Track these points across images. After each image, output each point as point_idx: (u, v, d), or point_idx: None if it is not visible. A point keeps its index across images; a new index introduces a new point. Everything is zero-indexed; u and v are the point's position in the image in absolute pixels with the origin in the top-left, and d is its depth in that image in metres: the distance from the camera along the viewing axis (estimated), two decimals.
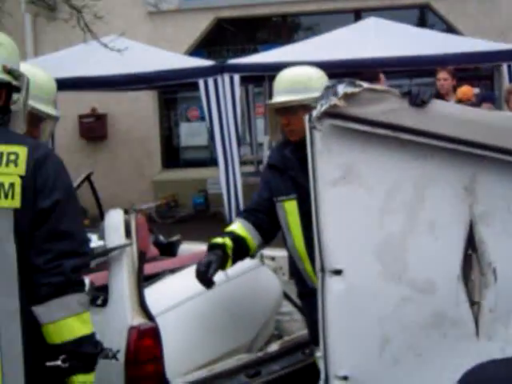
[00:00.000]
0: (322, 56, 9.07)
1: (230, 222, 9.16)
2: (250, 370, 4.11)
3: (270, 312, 4.45)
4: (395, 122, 3.37)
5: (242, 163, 11.56)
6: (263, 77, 10.38)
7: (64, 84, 9.91)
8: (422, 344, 3.42)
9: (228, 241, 3.96)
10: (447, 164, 3.43)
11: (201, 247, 5.28)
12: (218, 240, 3.97)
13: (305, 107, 3.70)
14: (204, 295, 4.14)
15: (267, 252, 4.81)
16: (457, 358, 3.43)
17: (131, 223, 3.73)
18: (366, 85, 3.38)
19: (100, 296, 3.82)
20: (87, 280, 3.96)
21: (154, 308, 3.83)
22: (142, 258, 3.76)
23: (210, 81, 9.38)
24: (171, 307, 4.00)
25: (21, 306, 2.58)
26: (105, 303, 3.78)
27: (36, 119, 3.54)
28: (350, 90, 3.37)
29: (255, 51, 13.06)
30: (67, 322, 2.61)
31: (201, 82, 9.42)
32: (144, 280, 4.14)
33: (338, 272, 3.43)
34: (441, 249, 3.44)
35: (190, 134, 14.29)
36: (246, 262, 4.45)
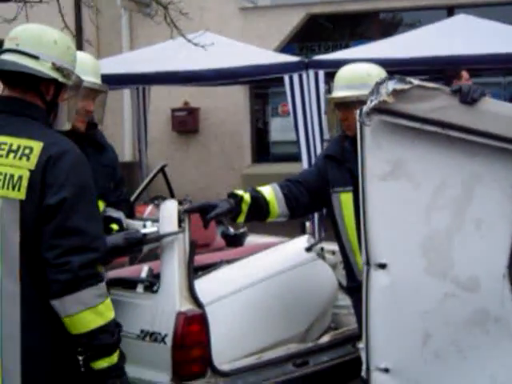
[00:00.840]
0: (409, 53, 9.04)
1: (312, 219, 9.29)
2: (297, 360, 4.20)
3: (324, 305, 4.52)
4: (445, 120, 3.40)
5: None
6: None
7: (157, 78, 10.23)
8: (464, 340, 3.45)
9: (247, 196, 4.09)
10: (495, 162, 3.43)
11: (266, 239, 5.42)
12: (238, 192, 4.11)
13: (362, 103, 3.75)
14: (259, 285, 4.27)
15: (328, 246, 4.88)
16: (499, 356, 3.43)
17: (185, 213, 3.86)
18: (416, 82, 3.41)
19: (156, 283, 3.97)
20: (146, 267, 4.17)
21: (207, 296, 3.97)
22: (194, 247, 3.88)
23: (295, 76, 9.42)
24: (224, 296, 4.13)
25: (32, 295, 2.73)
26: (158, 290, 3.92)
27: (87, 93, 3.71)
28: (399, 86, 3.41)
29: (347, 47, 13.05)
30: (81, 315, 2.72)
31: (286, 78, 9.48)
32: (201, 269, 4.29)
33: (382, 266, 3.49)
34: (486, 247, 3.45)
35: (281, 129, 14.38)
36: (303, 255, 4.55)
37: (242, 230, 5.73)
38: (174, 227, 3.83)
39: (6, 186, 2.72)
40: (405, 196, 3.51)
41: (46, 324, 2.77)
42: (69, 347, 2.79)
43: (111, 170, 4.02)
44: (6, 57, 2.87)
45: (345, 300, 4.75)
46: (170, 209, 3.88)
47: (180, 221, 3.85)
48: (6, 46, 2.90)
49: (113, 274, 4.28)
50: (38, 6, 8.81)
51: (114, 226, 3.94)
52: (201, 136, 14.10)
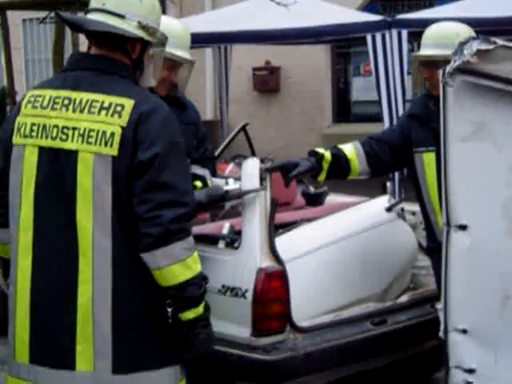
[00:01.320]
0: (495, 12, 8.84)
1: (393, 180, 9.26)
2: (376, 318, 4.24)
3: (403, 265, 4.54)
4: None
5: None
6: None
7: (238, 37, 10.27)
8: None
9: (328, 155, 4.14)
10: None
11: (346, 199, 5.45)
12: (319, 150, 4.16)
13: (449, 63, 3.72)
14: (337, 245, 4.32)
15: (408, 207, 4.89)
16: None
17: (267, 172, 3.92)
18: (500, 42, 3.38)
19: (237, 239, 4.05)
20: (228, 224, 4.25)
21: (287, 253, 4.03)
22: (274, 204, 3.95)
23: (378, 36, 9.33)
24: (304, 254, 4.18)
25: (123, 249, 2.81)
26: (240, 246, 4.01)
27: (173, 65, 3.86)
28: (483, 46, 3.37)
29: (431, 6, 12.85)
30: (171, 268, 2.79)
31: (368, 37, 9.39)
32: (281, 227, 4.36)
33: (463, 227, 3.49)
34: None
35: (362, 89, 14.30)
36: (383, 215, 4.57)
37: (322, 189, 5.77)
38: (256, 185, 3.89)
39: (98, 143, 2.77)
40: (487, 158, 3.49)
41: (136, 277, 2.84)
42: (157, 299, 2.86)
43: (194, 127, 4.11)
44: (93, 16, 2.91)
45: (424, 261, 4.75)
46: (251, 167, 3.94)
47: (261, 179, 3.90)
48: (93, 5, 2.94)
49: (195, 230, 4.37)
50: None
51: (198, 183, 4.04)
52: (282, 95, 14.14)
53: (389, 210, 4.60)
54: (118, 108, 2.79)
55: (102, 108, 2.79)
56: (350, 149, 4.22)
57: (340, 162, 4.16)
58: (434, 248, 4.02)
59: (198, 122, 4.21)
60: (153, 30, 2.95)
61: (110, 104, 2.79)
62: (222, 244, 4.16)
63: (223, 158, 6.96)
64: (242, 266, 3.91)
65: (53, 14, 9.91)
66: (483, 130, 3.48)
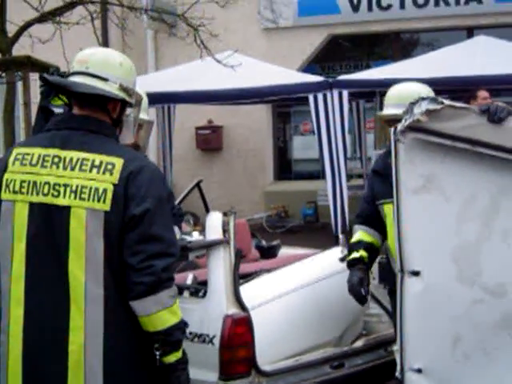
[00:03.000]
0: (430, 73, 9.27)
1: (337, 233, 9.55)
2: (334, 362, 4.46)
3: (356, 312, 4.76)
4: (474, 137, 3.65)
5: (350, 177, 11.89)
6: (374, 92, 10.68)
7: (182, 97, 10.56)
8: (492, 343, 3.69)
9: (363, 252, 4.44)
10: None
11: (298, 251, 5.68)
12: (356, 255, 4.43)
13: None
14: (296, 293, 4.54)
15: None
16: None
17: (229, 224, 4.13)
18: (447, 102, 3.68)
19: (201, 289, 4.25)
20: (191, 275, 4.44)
21: (250, 302, 4.23)
22: (239, 255, 4.16)
23: (320, 96, 9.72)
24: (265, 301, 4.39)
25: (113, 297, 2.94)
26: (205, 295, 4.20)
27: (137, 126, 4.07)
28: (432, 106, 3.67)
29: (368, 67, 13.36)
30: (159, 315, 2.95)
31: (310, 97, 9.78)
32: (243, 277, 4.56)
33: (416, 273, 3.76)
34: None
35: (303, 147, 14.68)
36: (337, 265, 4.81)
37: (275, 243, 6.00)
38: (219, 236, 4.11)
39: (91, 199, 2.91)
40: (436, 208, 3.76)
41: (127, 324, 2.98)
42: (146, 344, 3.00)
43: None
44: (77, 79, 3.05)
45: (375, 308, 5.01)
46: (214, 220, 4.17)
47: (224, 231, 4.12)
48: (76, 68, 3.08)
49: None
50: (70, 26, 9.12)
51: None
52: (224, 153, 14.40)
53: (342, 260, 4.83)
54: (109, 166, 2.94)
55: (93, 166, 2.95)
56: (364, 235, 4.52)
57: (371, 250, 4.47)
58: (394, 291, 4.26)
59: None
60: (132, 91, 3.16)
61: (101, 162, 2.95)
62: (186, 293, 4.34)
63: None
64: (208, 314, 4.10)
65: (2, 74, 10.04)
66: (432, 182, 3.76)
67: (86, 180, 2.94)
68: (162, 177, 3.15)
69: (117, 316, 2.97)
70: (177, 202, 6.46)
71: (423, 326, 3.76)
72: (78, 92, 3.05)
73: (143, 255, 2.91)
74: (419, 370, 3.74)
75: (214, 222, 4.15)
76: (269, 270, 4.70)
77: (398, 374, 3.81)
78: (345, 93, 9.75)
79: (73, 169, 2.96)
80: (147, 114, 4.23)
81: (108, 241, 2.92)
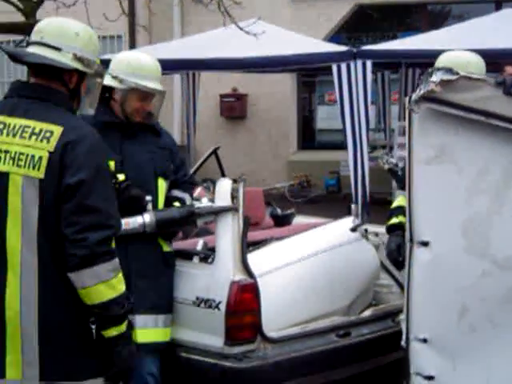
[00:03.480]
0: (456, 45, 9.12)
1: (356, 203, 9.53)
2: (340, 331, 4.47)
3: (366, 282, 4.78)
4: (488, 109, 3.61)
5: (373, 148, 11.83)
6: (400, 63, 10.56)
7: (206, 64, 10.51)
8: (499, 316, 3.68)
9: (402, 218, 4.38)
10: None
11: (312, 220, 5.69)
12: (395, 221, 4.44)
13: None
14: (305, 262, 4.56)
15: (372, 228, 5.14)
16: None
17: (238, 190, 4.14)
18: (462, 73, 3.64)
19: (211, 255, 4.27)
20: (201, 241, 4.47)
21: (258, 269, 4.26)
22: (247, 222, 4.17)
23: (343, 66, 9.62)
24: (274, 269, 4.42)
25: (49, 266, 2.97)
26: (213, 261, 4.22)
27: (145, 96, 4.17)
28: (447, 77, 3.64)
29: (394, 38, 13.23)
30: (95, 288, 2.96)
31: (334, 67, 9.68)
32: (253, 245, 4.59)
33: (425, 243, 3.75)
34: None
35: (327, 117, 14.62)
36: (348, 235, 4.82)
37: (289, 211, 6.00)
38: (228, 203, 4.12)
39: (27, 166, 2.94)
40: (448, 179, 3.74)
41: (62, 294, 3.00)
42: (82, 316, 3.03)
43: (168, 152, 4.37)
44: (32, 49, 3.09)
45: (386, 279, 5.01)
46: (224, 186, 4.18)
47: (233, 197, 4.13)
48: (32, 38, 3.13)
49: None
50: None
51: (176, 204, 4.27)
52: (248, 122, 14.39)
53: (353, 230, 4.84)
54: (48, 134, 2.96)
55: (32, 133, 2.97)
56: (403, 199, 4.48)
57: None
58: None
59: (174, 147, 4.46)
60: (88, 61, 3.15)
61: (41, 130, 2.98)
62: (196, 259, 4.36)
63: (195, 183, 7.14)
64: (215, 279, 4.13)
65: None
66: (445, 153, 3.74)
67: (23, 147, 2.97)
68: (102, 147, 3.12)
69: (53, 285, 2.99)
70: (193, 169, 6.51)
71: (430, 296, 3.76)
72: (29, 62, 3.09)
73: (78, 227, 2.92)
74: (425, 340, 3.75)
75: (223, 189, 4.16)
76: (279, 238, 4.71)
77: (403, 343, 3.82)
78: (368, 63, 9.63)
79: (14, 135, 2.99)
80: (159, 84, 4.23)
81: (43, 210, 2.94)
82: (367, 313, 4.73)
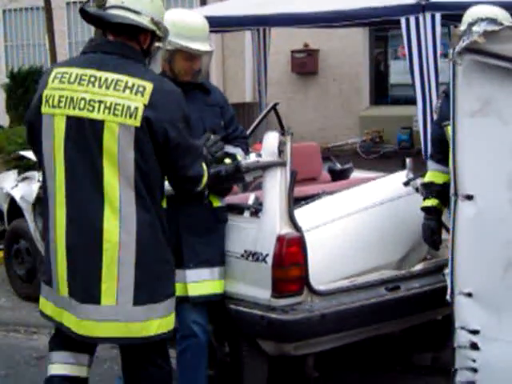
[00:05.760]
0: None
1: (426, 160, 9.43)
2: (390, 285, 4.49)
3: (419, 236, 4.74)
4: None
5: None
6: None
7: (276, 20, 10.47)
8: None
9: (434, 200, 4.58)
10: None
11: (370, 175, 5.68)
12: (428, 204, 4.59)
13: None
14: (356, 215, 4.58)
15: None
16: None
17: (286, 144, 4.17)
18: (506, 23, 3.58)
19: (261, 209, 4.33)
20: (253, 195, 4.54)
21: (308, 223, 4.30)
22: (294, 176, 4.21)
23: (412, 19, 9.43)
24: (324, 223, 4.46)
25: (144, 199, 3.40)
26: None
27: (192, 56, 4.25)
28: (490, 27, 3.58)
29: None
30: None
31: (403, 20, 9.51)
32: (304, 199, 4.63)
33: (469, 197, 3.72)
34: None
35: (400, 72, 14.39)
36: (400, 189, 4.80)
37: (347, 166, 6.00)
38: (275, 157, 4.15)
39: (124, 115, 3.31)
40: (493, 132, 3.69)
41: (156, 222, 3.44)
42: (166, 241, 3.50)
43: (218, 109, 4.44)
44: (114, 11, 3.47)
45: (442, 233, 4.97)
46: (270, 140, 4.20)
47: (280, 151, 4.16)
48: (113, 2, 3.50)
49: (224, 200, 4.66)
50: None
51: (227, 160, 4.33)
52: (320, 78, 14.30)
53: (406, 184, 4.82)
54: (141, 88, 3.34)
55: (126, 87, 3.33)
56: (436, 175, 4.65)
57: (444, 193, 4.43)
58: None
59: (224, 103, 4.52)
60: (161, 25, 3.55)
61: (133, 84, 3.34)
62: (247, 213, 4.44)
63: (258, 139, 7.19)
64: (262, 233, 4.19)
65: None
66: (490, 105, 3.68)
67: (119, 98, 3.33)
68: (184, 99, 3.55)
69: (150, 216, 3.40)
70: (253, 125, 6.56)
71: (475, 250, 3.73)
72: (113, 22, 3.44)
73: (184, 169, 3.54)
74: (469, 294, 3.73)
75: (270, 143, 4.19)
76: (331, 193, 4.72)
77: (448, 297, 3.82)
78: (437, 16, 9.43)
79: (108, 88, 3.35)
80: (207, 44, 4.29)
81: (138, 153, 3.34)
82: (418, 267, 4.73)
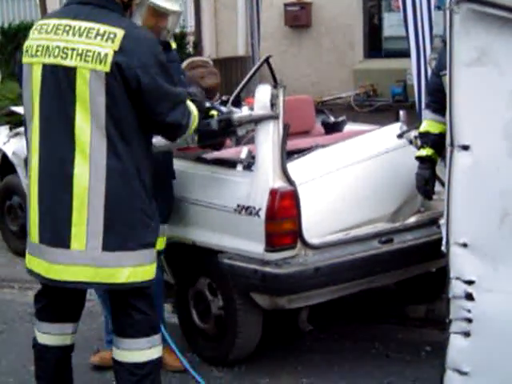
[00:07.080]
0: None
1: (420, 112, 9.36)
2: (383, 237, 4.46)
3: (412, 189, 4.71)
4: None
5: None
6: None
7: None
8: None
9: (429, 150, 4.52)
10: None
11: (363, 127, 5.63)
12: (423, 153, 4.53)
13: None
14: (348, 169, 4.54)
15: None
16: None
17: (278, 97, 4.10)
18: None
19: (254, 163, 4.28)
20: (246, 149, 4.48)
21: (301, 176, 4.25)
22: (287, 129, 4.15)
23: None
24: (317, 176, 4.42)
25: (116, 145, 3.43)
26: None
27: (160, 13, 4.26)
28: None
29: None
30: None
31: None
32: (297, 152, 4.58)
33: (465, 147, 3.67)
34: None
35: (394, 24, 14.24)
36: (393, 141, 4.76)
37: (341, 118, 5.94)
38: (267, 111, 4.09)
39: (94, 61, 3.38)
40: (490, 82, 3.63)
41: (127, 170, 3.46)
42: (142, 191, 3.51)
43: (177, 64, 4.50)
44: None
45: (436, 186, 4.93)
46: (262, 93, 4.14)
47: (272, 104, 4.10)
48: None
49: (216, 154, 4.62)
50: None
51: (214, 113, 4.28)
52: (313, 31, 14.15)
53: (400, 136, 4.77)
54: (112, 35, 3.40)
55: (97, 34, 3.41)
56: (431, 125, 4.59)
57: (439, 141, 4.37)
58: None
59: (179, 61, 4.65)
60: None
61: (105, 31, 3.42)
62: (239, 167, 4.39)
63: (251, 92, 7.09)
64: (255, 187, 4.15)
65: None
66: (487, 55, 3.61)
67: (90, 45, 3.41)
68: (158, 44, 3.61)
69: (119, 162, 3.43)
70: (246, 78, 6.46)
71: (470, 201, 3.69)
72: None
73: (162, 115, 3.52)
74: (464, 245, 3.70)
75: (262, 96, 4.13)
76: (324, 146, 4.67)
77: (443, 247, 3.79)
78: None
79: (80, 35, 3.44)
80: (176, 4, 4.32)
81: (109, 98, 3.40)
82: (412, 219, 4.70)
